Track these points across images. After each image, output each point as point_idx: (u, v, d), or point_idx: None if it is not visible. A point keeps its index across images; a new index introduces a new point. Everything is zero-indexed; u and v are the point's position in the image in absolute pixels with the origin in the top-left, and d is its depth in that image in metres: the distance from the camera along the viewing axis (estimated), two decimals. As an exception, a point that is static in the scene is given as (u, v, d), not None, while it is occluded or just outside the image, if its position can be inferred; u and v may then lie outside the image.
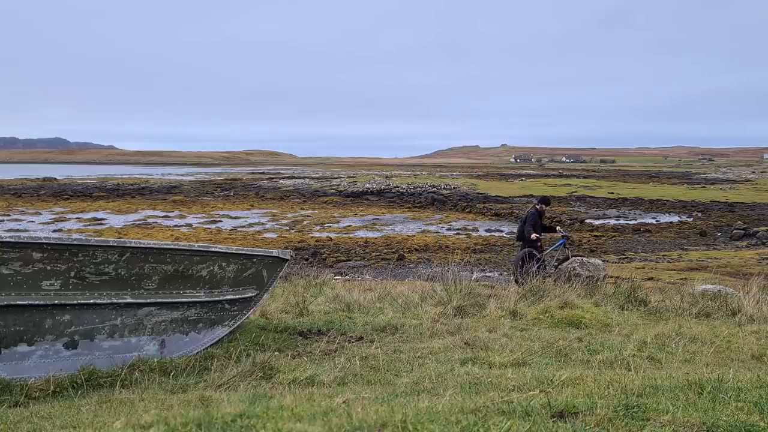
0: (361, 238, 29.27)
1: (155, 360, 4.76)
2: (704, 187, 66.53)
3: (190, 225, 34.03)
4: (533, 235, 10.90)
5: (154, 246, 4.79)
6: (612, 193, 55.84)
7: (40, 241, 4.23)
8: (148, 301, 4.83)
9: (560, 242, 11.57)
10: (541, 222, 11.60)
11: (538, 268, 10.04)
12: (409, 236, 29.87)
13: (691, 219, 38.31)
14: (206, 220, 36.49)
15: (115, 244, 4.55)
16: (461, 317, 7.06)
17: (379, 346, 5.49)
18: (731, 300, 7.99)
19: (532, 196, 51.89)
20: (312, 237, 29.47)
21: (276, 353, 5.13)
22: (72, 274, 4.37)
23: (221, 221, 35.84)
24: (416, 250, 25.84)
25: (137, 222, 34.71)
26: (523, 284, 8.99)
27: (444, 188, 60.06)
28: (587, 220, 36.88)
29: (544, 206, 11.73)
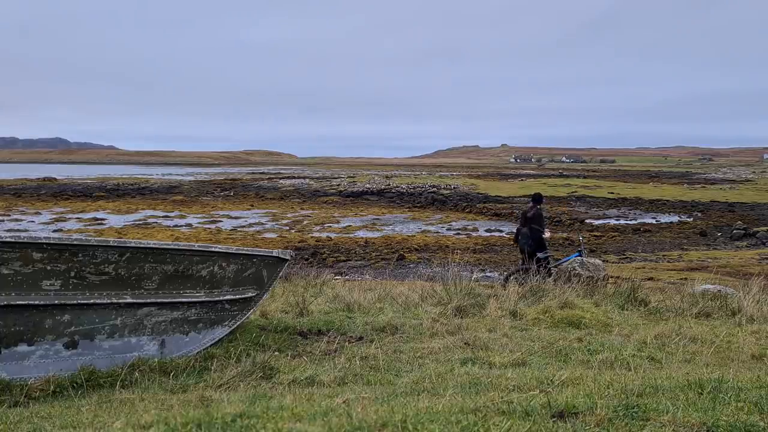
0: (361, 238, 29.28)
1: (155, 360, 4.75)
2: (704, 187, 66.51)
3: (190, 225, 34.04)
4: (547, 234, 11.14)
5: (154, 246, 4.79)
6: (612, 193, 55.83)
7: (40, 241, 4.23)
8: (148, 301, 4.83)
9: (575, 255, 11.12)
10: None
11: (539, 268, 10.04)
12: (409, 236, 29.88)
13: (691, 219, 38.32)
14: (206, 220, 36.50)
15: (115, 244, 4.55)
16: (461, 317, 7.06)
17: (379, 346, 5.48)
18: (731, 300, 7.99)
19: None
20: (312, 237, 29.47)
21: (276, 353, 5.12)
22: (72, 274, 4.37)
23: (221, 221, 35.85)
24: (416, 250, 25.84)
25: (137, 222, 34.72)
26: (522, 284, 8.98)
27: (444, 188, 60.05)
28: (587, 220, 36.88)
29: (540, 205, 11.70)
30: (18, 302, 4.18)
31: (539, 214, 11.38)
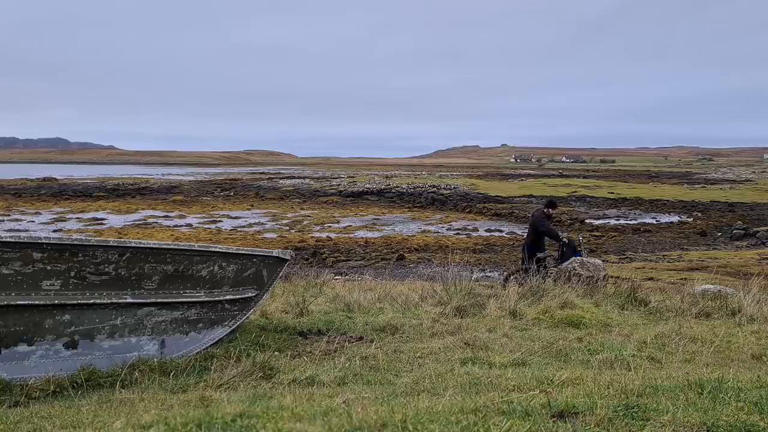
0: (361, 238, 29.28)
1: (155, 360, 4.76)
2: (704, 187, 66.57)
3: (190, 225, 34.04)
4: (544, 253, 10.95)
5: (154, 246, 4.79)
6: (612, 193, 55.87)
7: (40, 241, 4.23)
8: (148, 301, 4.83)
9: (575, 255, 10.82)
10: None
11: (539, 268, 10.04)
12: (409, 236, 29.88)
13: (691, 219, 38.32)
14: (206, 220, 36.50)
15: (115, 244, 4.55)
16: (461, 317, 7.06)
17: (379, 346, 5.49)
18: (731, 300, 7.98)
19: (532, 196, 51.97)
20: (312, 237, 29.47)
21: (276, 353, 5.12)
22: (72, 274, 4.37)
23: (221, 221, 35.85)
24: (416, 250, 25.84)
25: (137, 222, 34.72)
26: (522, 284, 8.98)
27: (444, 188, 60.05)
28: (587, 220, 36.88)
29: (551, 210, 11.38)
30: (18, 302, 4.18)
31: (537, 215, 11.27)
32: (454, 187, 61.19)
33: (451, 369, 4.59)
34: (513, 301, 7.62)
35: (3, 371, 4.20)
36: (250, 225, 34.13)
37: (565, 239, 10.80)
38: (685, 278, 14.69)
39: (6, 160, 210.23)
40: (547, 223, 11.06)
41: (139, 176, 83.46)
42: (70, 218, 35.94)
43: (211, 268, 5.17)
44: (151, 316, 4.91)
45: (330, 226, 33.81)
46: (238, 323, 5.65)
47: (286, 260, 5.91)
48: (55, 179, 68.77)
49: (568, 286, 8.57)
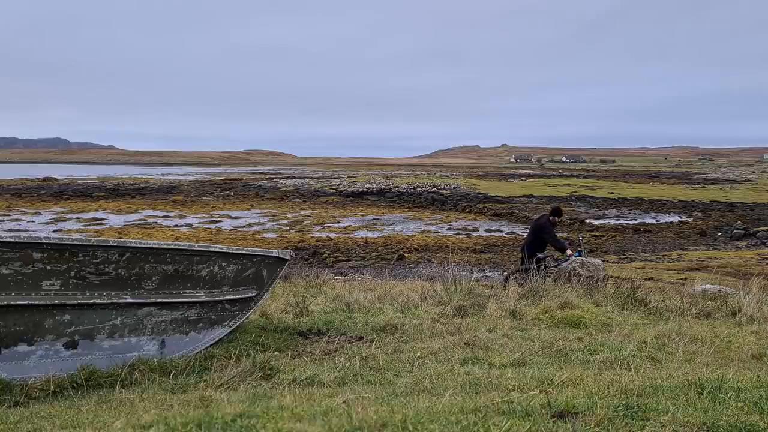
0: (361, 238, 29.29)
1: (155, 360, 4.76)
2: (704, 187, 66.60)
3: (190, 225, 34.04)
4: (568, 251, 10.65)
5: (154, 246, 4.79)
6: (612, 193, 55.88)
7: (40, 241, 4.23)
8: (148, 301, 4.83)
9: (575, 255, 10.78)
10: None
11: (539, 268, 10.04)
12: (409, 236, 29.88)
13: (691, 219, 38.33)
14: (206, 220, 36.50)
15: (115, 244, 4.55)
16: (461, 317, 7.06)
17: (379, 346, 5.49)
18: (731, 300, 7.98)
19: (531, 196, 51.98)
20: (312, 237, 29.48)
21: (276, 353, 5.12)
22: (72, 274, 4.37)
23: (221, 221, 35.85)
24: (416, 250, 25.84)
25: (137, 222, 34.72)
26: (522, 284, 8.98)
27: (444, 188, 60.07)
28: (587, 220, 36.88)
29: (556, 218, 11.17)
30: (18, 302, 4.18)
31: (543, 223, 11.13)
32: (454, 187, 61.20)
33: (451, 369, 4.59)
34: (513, 301, 7.62)
35: (3, 371, 4.20)
36: (250, 225, 34.13)
37: (569, 252, 10.61)
38: (685, 278, 14.69)
39: (6, 160, 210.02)
40: (553, 232, 10.92)
41: (139, 176, 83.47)
42: (70, 218, 35.94)
43: (211, 268, 5.17)
44: (151, 316, 4.91)
45: (330, 226, 33.82)
46: (238, 323, 5.65)
47: (286, 260, 5.91)
48: (55, 179, 68.76)
49: (568, 286, 8.57)
